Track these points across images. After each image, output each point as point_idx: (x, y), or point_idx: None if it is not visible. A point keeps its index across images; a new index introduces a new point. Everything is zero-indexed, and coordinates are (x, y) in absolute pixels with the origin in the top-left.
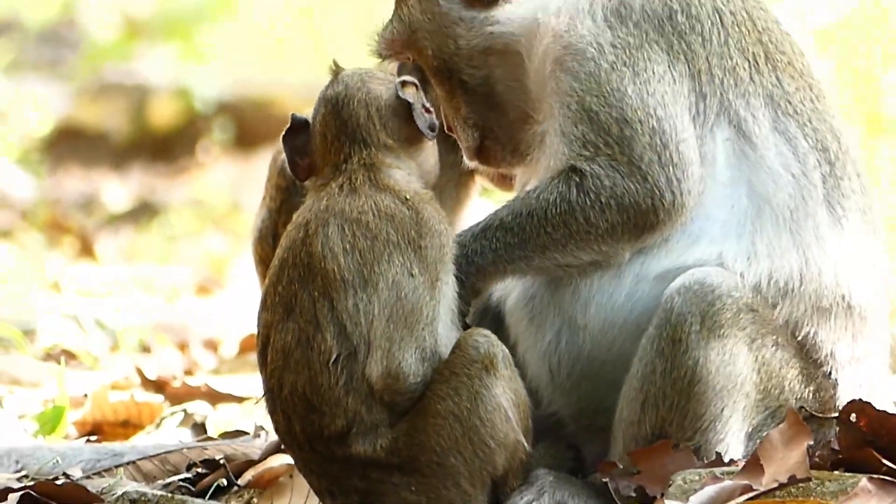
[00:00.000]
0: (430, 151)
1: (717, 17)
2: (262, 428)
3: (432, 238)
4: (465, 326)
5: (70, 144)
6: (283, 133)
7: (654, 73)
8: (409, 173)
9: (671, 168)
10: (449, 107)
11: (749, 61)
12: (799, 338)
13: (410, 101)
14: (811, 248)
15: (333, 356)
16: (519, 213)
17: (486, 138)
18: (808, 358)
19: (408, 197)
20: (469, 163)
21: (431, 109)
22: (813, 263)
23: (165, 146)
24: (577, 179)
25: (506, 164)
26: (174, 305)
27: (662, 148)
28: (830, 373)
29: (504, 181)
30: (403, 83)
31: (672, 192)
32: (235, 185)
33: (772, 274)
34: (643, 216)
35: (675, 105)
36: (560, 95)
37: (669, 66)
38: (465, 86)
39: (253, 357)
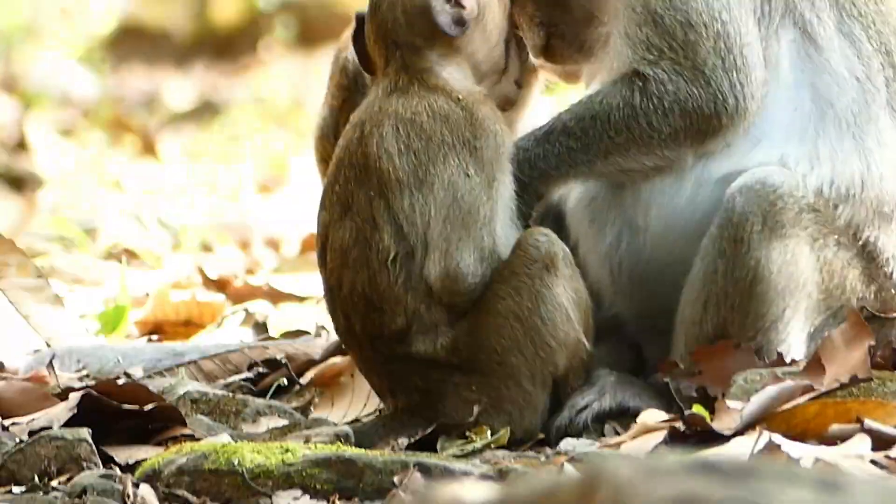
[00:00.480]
0: (478, 44)
1: None
2: (323, 327)
3: (487, 138)
4: (527, 227)
5: (132, 43)
6: (352, 32)
7: None
8: (460, 70)
9: (735, 73)
10: (516, 4)
11: None
12: (861, 241)
13: (431, 1)
14: (873, 154)
15: (392, 254)
16: (582, 118)
17: (552, 36)
18: (870, 259)
19: (460, 97)
20: (535, 60)
21: (463, 2)
22: (875, 168)
23: (228, 44)
24: (640, 84)
25: (572, 60)
26: (236, 204)
27: (727, 52)
28: (892, 274)
29: (571, 77)
30: None
31: (735, 96)
32: (297, 83)
33: (833, 178)
34: (706, 121)
35: (741, 7)
36: None
37: None
38: None
39: (314, 257)
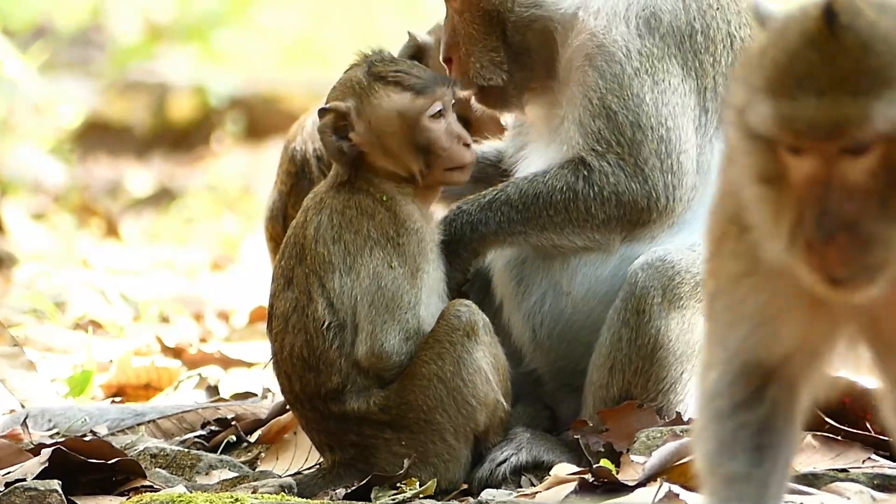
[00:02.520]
0: (382, 160)
1: (729, 42)
2: (269, 390)
3: (409, 235)
4: (462, 294)
5: (98, 136)
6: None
7: (669, 84)
8: (380, 177)
9: (670, 175)
10: (478, 41)
11: None
12: None
13: (321, 132)
14: None
15: (326, 323)
16: (525, 193)
17: (500, 80)
18: None
19: (385, 199)
20: (473, 101)
21: (350, 134)
22: None
23: (183, 137)
24: (586, 172)
25: (507, 109)
26: (191, 281)
27: (666, 156)
28: None
29: (496, 127)
30: (323, 111)
31: (667, 197)
32: (246, 172)
33: None
34: (638, 213)
35: (683, 116)
36: (584, 88)
37: (682, 80)
38: (504, 35)
39: (261, 326)
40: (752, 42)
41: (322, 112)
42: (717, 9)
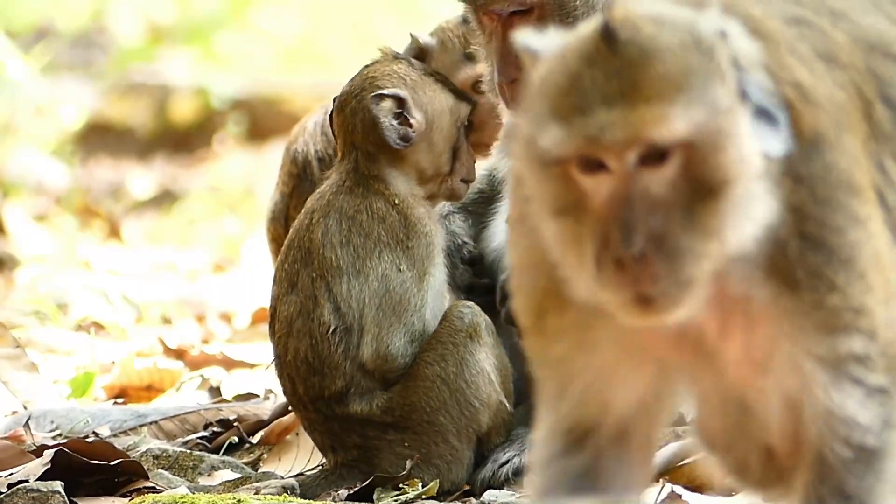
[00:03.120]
0: (424, 154)
1: None
2: (271, 391)
3: (419, 239)
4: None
5: (100, 138)
6: (328, 113)
7: None
8: (404, 176)
9: None
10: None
11: None
12: None
13: (380, 117)
14: None
15: (331, 328)
16: None
17: None
18: None
19: (397, 202)
20: (495, 90)
21: (411, 121)
22: None
23: (185, 139)
24: None
25: None
26: (193, 282)
27: None
28: None
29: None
30: (380, 97)
31: None
32: (248, 174)
33: None
34: None
35: None
36: None
37: None
38: None
39: (263, 328)
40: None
41: (378, 98)
42: None
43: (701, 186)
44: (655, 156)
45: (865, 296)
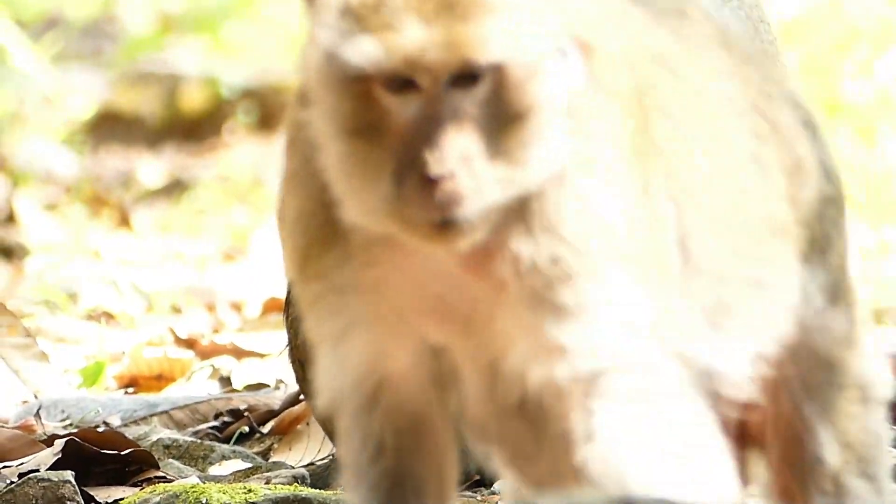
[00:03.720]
0: None
1: None
2: (281, 381)
3: None
4: None
5: (110, 127)
6: None
7: None
8: None
9: None
10: None
11: None
12: None
13: None
14: None
15: None
16: None
17: None
18: None
19: None
20: None
21: None
22: None
23: (195, 128)
24: None
25: None
26: (202, 272)
27: None
28: None
29: None
30: None
31: None
32: (258, 163)
33: None
34: None
35: None
36: None
37: None
38: None
39: (273, 318)
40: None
41: None
42: None
43: (507, 113)
44: (468, 77)
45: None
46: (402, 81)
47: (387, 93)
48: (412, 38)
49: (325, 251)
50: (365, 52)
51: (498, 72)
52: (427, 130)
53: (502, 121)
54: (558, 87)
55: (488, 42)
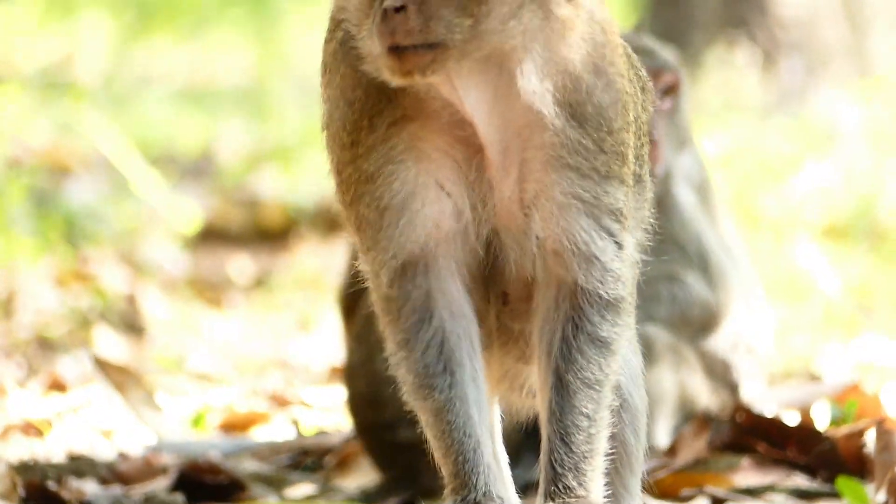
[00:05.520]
0: None
1: None
2: (339, 427)
3: None
4: None
5: (209, 235)
6: None
7: None
8: None
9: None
10: None
11: None
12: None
13: None
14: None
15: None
16: None
17: None
18: (713, 376)
19: None
20: None
21: None
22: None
23: (272, 237)
24: None
25: None
26: (279, 343)
27: None
28: (730, 386)
29: None
30: None
31: None
32: (318, 263)
33: None
34: None
35: None
36: None
37: None
38: None
39: (335, 379)
40: None
41: None
42: None
43: None
44: None
45: (628, 147)
46: None
47: None
48: None
49: (375, 120)
50: None
51: None
52: None
53: None
54: None
55: None
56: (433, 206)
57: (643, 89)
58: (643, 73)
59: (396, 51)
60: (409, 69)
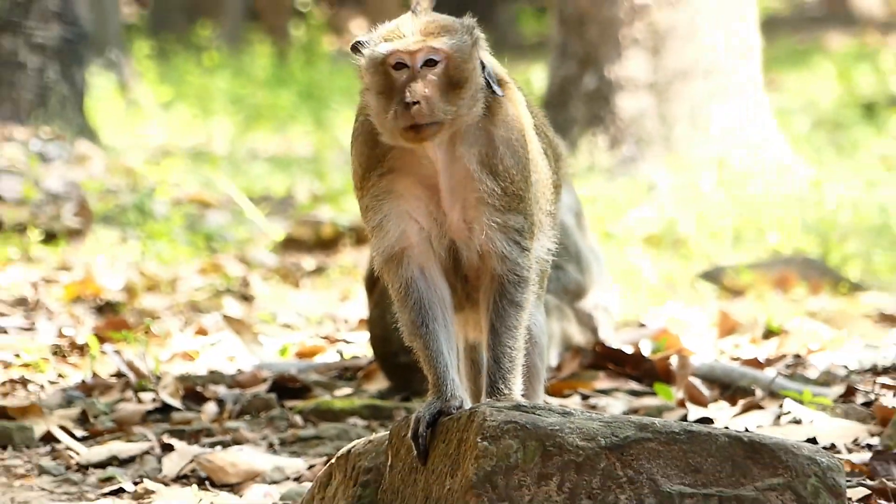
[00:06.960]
0: None
1: None
2: (365, 354)
3: None
4: None
5: (290, 244)
6: None
7: None
8: None
9: None
10: None
11: None
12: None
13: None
14: None
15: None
16: None
17: None
18: (584, 325)
19: None
20: None
21: None
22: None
23: (328, 244)
24: None
25: None
26: (331, 306)
27: None
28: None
29: None
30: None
31: None
32: (355, 260)
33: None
34: None
35: None
36: None
37: None
38: None
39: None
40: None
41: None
42: None
43: (452, 80)
44: (431, 61)
45: (528, 192)
46: (400, 63)
47: (393, 70)
48: (406, 43)
49: (372, 172)
50: (385, 49)
51: (447, 59)
52: (409, 85)
53: (449, 83)
54: (479, 75)
55: (439, 45)
56: (402, 225)
57: (552, 147)
58: (553, 139)
59: (414, 128)
60: (423, 137)
